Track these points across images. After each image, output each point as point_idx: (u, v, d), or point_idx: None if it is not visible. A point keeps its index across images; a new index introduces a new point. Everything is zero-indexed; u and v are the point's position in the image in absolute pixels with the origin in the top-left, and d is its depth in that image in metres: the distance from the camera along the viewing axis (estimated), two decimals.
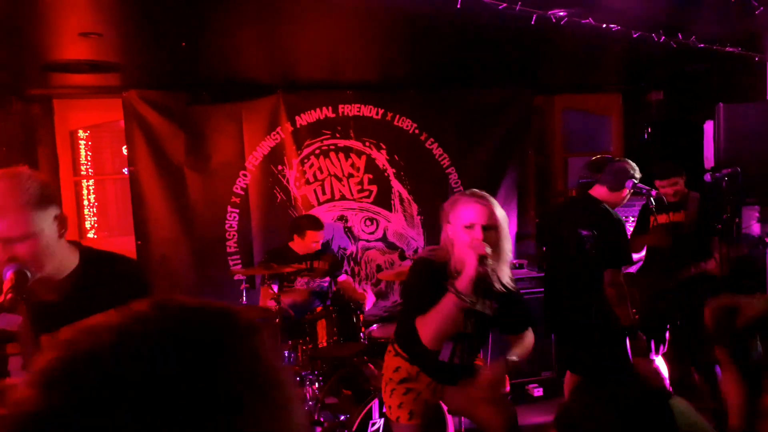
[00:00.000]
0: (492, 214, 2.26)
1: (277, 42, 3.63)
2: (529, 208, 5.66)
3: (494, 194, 5.32)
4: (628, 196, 3.36)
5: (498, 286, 2.32)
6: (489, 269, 2.22)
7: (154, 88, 4.62)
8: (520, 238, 5.61)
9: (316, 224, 4.37)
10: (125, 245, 4.76)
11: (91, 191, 5.06)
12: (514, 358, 2.41)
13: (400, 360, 2.56)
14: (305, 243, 4.31)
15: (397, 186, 5.17)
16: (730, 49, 3.91)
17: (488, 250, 2.20)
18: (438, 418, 3.30)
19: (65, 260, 1.68)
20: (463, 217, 2.27)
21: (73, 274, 1.68)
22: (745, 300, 1.41)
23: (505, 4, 2.28)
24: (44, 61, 3.53)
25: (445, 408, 3.44)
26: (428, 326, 2.27)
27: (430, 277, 2.33)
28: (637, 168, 3.36)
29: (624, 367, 3.21)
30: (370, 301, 4.39)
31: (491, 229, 2.25)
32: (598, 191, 3.40)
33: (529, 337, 2.54)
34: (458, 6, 2.17)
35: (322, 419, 3.79)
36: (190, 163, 4.72)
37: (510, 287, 2.41)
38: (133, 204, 4.68)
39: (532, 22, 2.54)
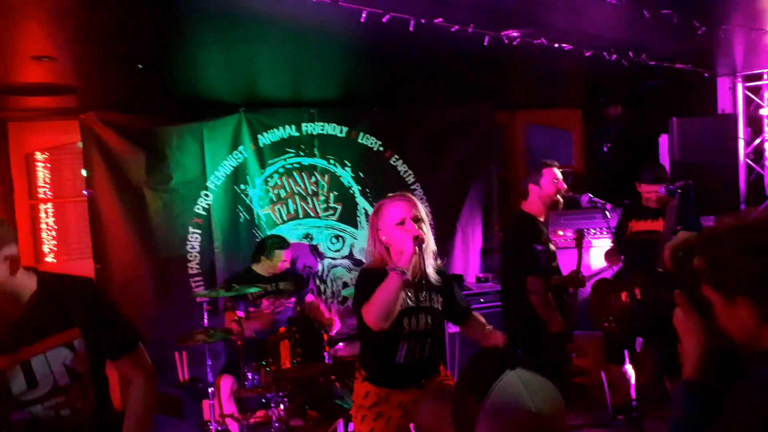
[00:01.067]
0: (417, 207, 2.46)
1: (237, 62, 3.62)
2: (494, 223, 5.72)
3: (459, 209, 5.49)
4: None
5: (431, 274, 2.47)
6: (422, 251, 2.38)
7: (112, 110, 4.53)
8: (485, 253, 5.67)
9: (282, 243, 4.35)
10: (85, 269, 4.65)
11: (50, 214, 4.94)
12: (490, 327, 2.64)
13: (367, 385, 2.57)
14: (274, 264, 4.27)
15: (362, 203, 5.17)
16: (680, 66, 4.05)
17: (421, 233, 2.38)
18: None
19: (23, 289, 1.76)
20: (392, 216, 2.43)
21: (32, 298, 1.77)
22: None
23: (457, 27, 2.32)
24: None
25: None
26: (372, 306, 2.35)
27: (375, 281, 2.41)
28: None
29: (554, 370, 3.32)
30: (336, 327, 4.37)
31: (419, 221, 2.42)
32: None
33: (480, 317, 2.74)
34: (410, 29, 2.20)
35: None
36: (151, 183, 4.63)
37: (445, 280, 2.58)
38: (92, 227, 4.57)
39: (485, 44, 2.59)
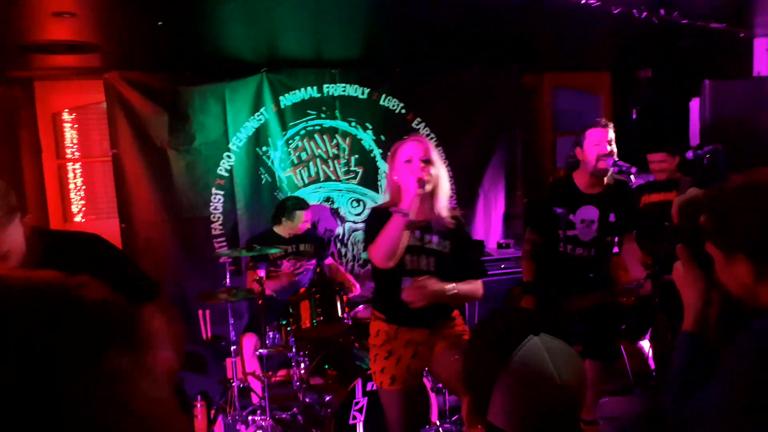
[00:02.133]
0: (427, 150, 2.51)
1: (258, 20, 3.58)
2: (517, 188, 5.65)
3: (482, 174, 5.43)
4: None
5: (441, 217, 2.52)
6: (432, 194, 2.46)
7: (135, 69, 4.56)
8: (508, 218, 5.62)
9: (303, 204, 4.38)
10: (112, 228, 4.74)
11: (78, 174, 5.02)
12: (452, 286, 2.51)
13: (379, 323, 2.68)
14: (295, 225, 4.31)
15: (384, 167, 5.14)
16: (715, 25, 3.88)
17: (426, 176, 2.43)
18: (422, 397, 3.33)
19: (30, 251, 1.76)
20: (402, 155, 2.52)
21: (35, 258, 1.73)
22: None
23: None
24: (20, 43, 3.48)
25: (428, 386, 3.47)
26: (377, 245, 2.45)
27: (382, 221, 2.49)
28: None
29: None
30: (357, 291, 4.40)
31: (428, 162, 2.49)
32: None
33: (477, 284, 2.66)
34: None
35: (308, 399, 3.83)
36: (174, 144, 4.67)
37: (458, 228, 2.62)
38: (117, 187, 4.65)
39: None
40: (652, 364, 4.09)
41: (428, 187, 2.46)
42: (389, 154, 2.64)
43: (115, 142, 4.61)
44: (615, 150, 3.20)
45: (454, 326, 2.71)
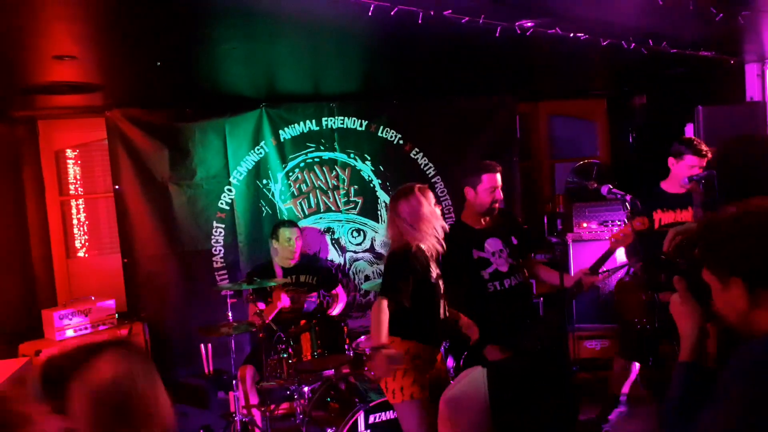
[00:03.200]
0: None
1: (256, 58, 3.66)
2: (516, 215, 5.66)
3: None
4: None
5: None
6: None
7: (136, 106, 4.65)
8: None
9: (287, 222, 4.46)
10: (115, 263, 4.78)
11: (81, 210, 5.09)
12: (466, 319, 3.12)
13: (407, 343, 2.93)
14: (283, 246, 4.33)
15: (383, 196, 5.19)
16: (705, 53, 3.95)
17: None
18: None
19: None
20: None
21: None
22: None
23: (467, 18, 2.31)
24: (23, 85, 3.56)
25: None
26: None
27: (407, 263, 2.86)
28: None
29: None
30: (341, 301, 4.43)
31: None
32: None
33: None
34: (419, 21, 2.20)
35: None
36: (175, 179, 4.73)
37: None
38: (119, 222, 4.69)
39: (497, 35, 2.57)
40: (626, 388, 4.06)
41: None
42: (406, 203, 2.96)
43: (117, 178, 4.67)
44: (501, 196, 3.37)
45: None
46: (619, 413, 3.93)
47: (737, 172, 4.16)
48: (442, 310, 3.05)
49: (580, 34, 2.88)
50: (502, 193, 3.35)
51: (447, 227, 3.04)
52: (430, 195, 3.02)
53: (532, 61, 4.18)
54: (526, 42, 2.96)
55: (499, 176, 3.35)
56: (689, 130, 4.84)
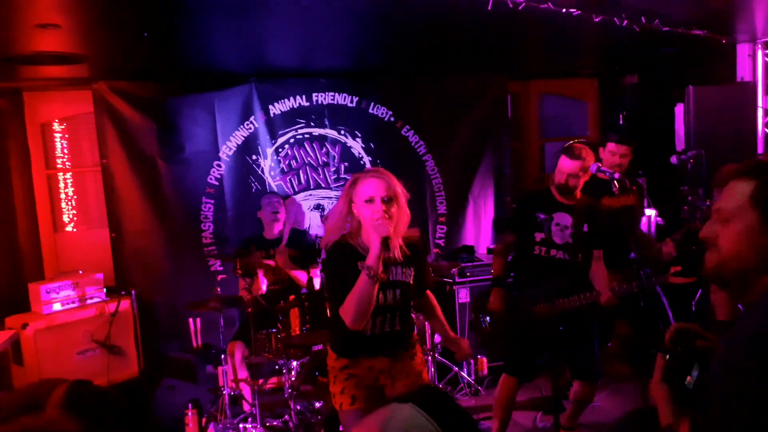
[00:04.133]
0: (390, 186, 2.40)
1: (246, 31, 3.61)
2: (506, 194, 5.68)
3: (471, 180, 5.47)
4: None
5: (406, 251, 2.48)
6: (392, 247, 2.38)
7: (124, 79, 4.58)
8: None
9: (270, 193, 4.50)
10: (103, 237, 4.76)
11: (69, 184, 5.03)
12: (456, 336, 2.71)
13: (341, 360, 2.59)
14: (264, 214, 4.34)
15: None
16: (696, 32, 3.94)
17: (391, 228, 2.35)
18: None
19: None
20: (362, 192, 2.41)
21: None
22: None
23: None
24: (6, 54, 3.50)
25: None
26: (348, 309, 2.38)
27: (344, 263, 2.42)
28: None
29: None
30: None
31: (390, 202, 2.39)
32: None
33: (434, 301, 2.76)
34: None
35: (298, 407, 3.83)
36: (163, 154, 4.70)
37: (417, 252, 2.57)
38: (106, 196, 4.66)
39: (489, 8, 2.55)
40: None
41: (391, 229, 2.37)
42: (349, 182, 2.50)
43: (105, 152, 4.62)
44: (578, 182, 3.31)
45: (414, 355, 2.65)
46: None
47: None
48: (372, 325, 2.52)
49: (572, 10, 2.86)
50: (576, 181, 3.31)
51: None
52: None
53: (523, 38, 4.15)
54: (517, 17, 2.94)
55: (579, 164, 3.28)
56: (679, 111, 4.85)
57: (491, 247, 5.31)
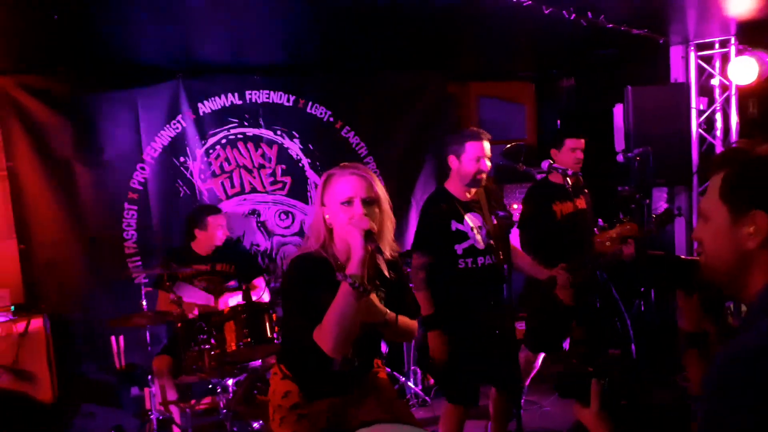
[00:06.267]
0: (371, 185, 2.01)
1: (172, 20, 3.32)
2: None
3: (413, 183, 5.31)
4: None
5: (385, 270, 2.08)
6: (376, 246, 1.93)
7: (34, 73, 4.17)
8: None
9: (213, 209, 4.12)
10: (9, 250, 4.27)
11: None
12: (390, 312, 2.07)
13: (289, 383, 2.17)
14: (209, 233, 3.99)
15: (313, 177, 4.92)
16: (637, 32, 3.96)
17: (372, 224, 1.94)
18: None
19: None
20: (337, 193, 2.00)
21: None
22: None
23: None
24: None
25: None
26: (328, 332, 1.91)
27: (311, 276, 2.00)
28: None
29: None
30: (260, 292, 4.11)
31: (372, 204, 2.00)
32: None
33: (413, 323, 2.21)
34: None
35: (235, 429, 3.53)
36: (80, 156, 4.30)
37: (398, 273, 2.17)
38: (14, 204, 4.21)
39: None
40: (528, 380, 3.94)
41: (376, 236, 1.96)
42: (320, 183, 2.10)
43: (11, 154, 4.19)
44: (490, 165, 3.07)
45: (376, 373, 2.28)
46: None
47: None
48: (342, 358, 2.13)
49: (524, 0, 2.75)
50: (488, 163, 3.04)
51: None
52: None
53: (465, 32, 4.07)
54: (464, 7, 2.80)
55: (486, 144, 3.03)
56: (618, 111, 4.89)
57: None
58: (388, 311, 2.07)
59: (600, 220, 3.44)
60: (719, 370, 1.06)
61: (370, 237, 1.91)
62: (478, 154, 3.00)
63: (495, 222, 2.94)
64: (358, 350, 2.11)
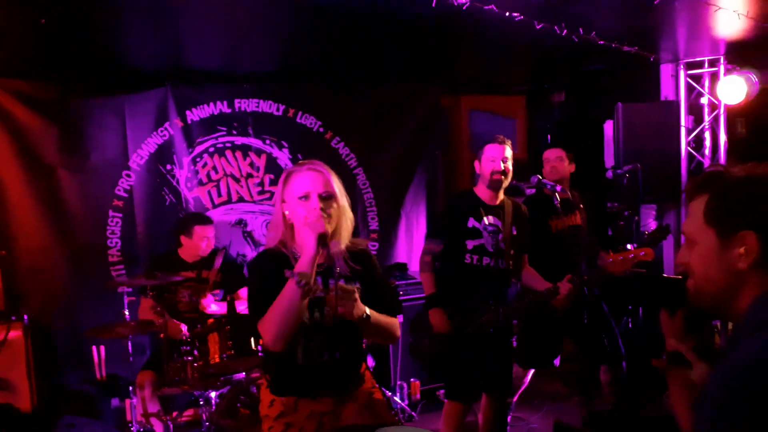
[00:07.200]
0: (328, 181, 2.06)
1: (162, 25, 3.27)
2: (439, 210, 5.55)
3: (403, 195, 5.29)
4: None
5: (343, 264, 2.08)
6: (330, 249, 1.97)
7: (20, 78, 4.10)
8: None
9: (202, 219, 4.05)
10: None
11: None
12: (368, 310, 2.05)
13: (275, 406, 2.15)
14: (194, 243, 3.94)
15: None
16: (627, 49, 3.97)
17: (329, 227, 2.00)
18: None
19: None
20: (295, 188, 2.06)
21: None
22: None
23: None
24: None
25: None
26: (269, 323, 1.97)
27: (271, 271, 2.03)
28: None
29: None
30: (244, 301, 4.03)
31: (328, 199, 2.04)
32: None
33: (394, 321, 2.20)
34: None
35: None
36: (65, 162, 4.22)
37: (368, 266, 2.18)
38: None
39: (433, 5, 2.38)
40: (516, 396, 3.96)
41: (329, 229, 2.00)
42: (280, 179, 2.13)
43: None
44: (510, 168, 3.19)
45: (362, 382, 2.25)
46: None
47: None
48: (303, 350, 2.09)
49: (515, 14, 2.75)
50: (508, 165, 3.16)
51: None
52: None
53: (458, 45, 4.05)
54: (457, 20, 2.79)
55: (506, 148, 3.19)
56: (608, 127, 4.90)
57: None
58: (365, 307, 2.05)
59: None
60: (720, 384, 1.05)
61: (323, 241, 1.96)
62: (494, 156, 3.17)
63: (515, 233, 3.20)
64: (328, 344, 2.10)
